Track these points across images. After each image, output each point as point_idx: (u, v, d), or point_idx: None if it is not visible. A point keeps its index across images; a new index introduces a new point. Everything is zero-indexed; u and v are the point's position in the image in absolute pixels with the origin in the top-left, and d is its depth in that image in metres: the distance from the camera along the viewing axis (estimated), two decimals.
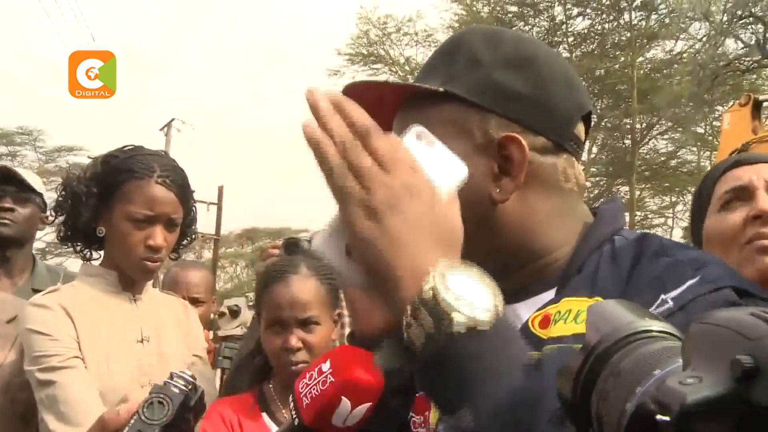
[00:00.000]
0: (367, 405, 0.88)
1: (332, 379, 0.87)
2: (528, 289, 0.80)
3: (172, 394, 0.96)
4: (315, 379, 0.90)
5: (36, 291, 2.16)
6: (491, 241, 0.79)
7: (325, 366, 0.90)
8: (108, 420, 1.09)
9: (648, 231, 0.84)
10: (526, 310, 0.78)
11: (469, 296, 0.58)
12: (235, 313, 2.83)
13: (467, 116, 0.78)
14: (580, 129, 0.83)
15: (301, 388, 0.92)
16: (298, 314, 1.56)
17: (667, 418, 0.38)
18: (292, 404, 0.94)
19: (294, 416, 0.93)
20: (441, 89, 0.78)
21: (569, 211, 0.81)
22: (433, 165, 0.65)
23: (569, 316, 0.71)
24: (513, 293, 0.81)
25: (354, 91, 0.83)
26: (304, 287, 1.55)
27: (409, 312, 0.59)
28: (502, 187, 0.77)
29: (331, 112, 0.63)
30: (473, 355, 0.57)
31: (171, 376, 1.00)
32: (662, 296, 0.66)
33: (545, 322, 0.74)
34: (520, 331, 0.75)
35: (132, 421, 0.99)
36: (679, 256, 0.71)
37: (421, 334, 0.58)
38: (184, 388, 0.98)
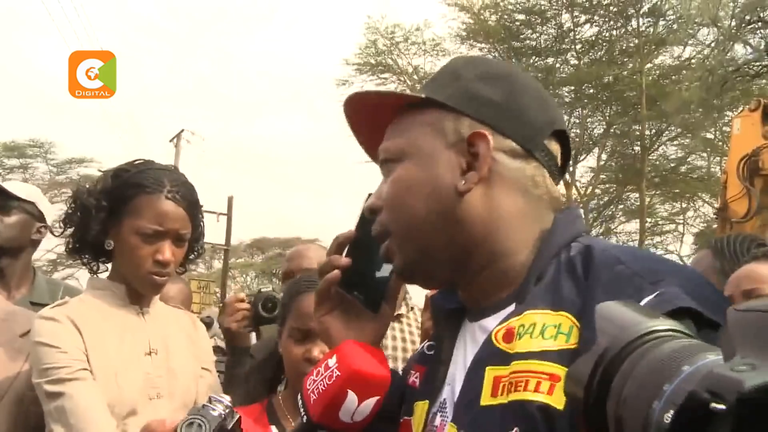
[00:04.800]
0: (375, 399, 0.88)
1: (338, 373, 0.88)
2: (492, 301, 0.83)
3: (210, 416, 0.97)
4: (322, 374, 0.90)
5: (34, 305, 2.15)
6: (454, 233, 0.83)
7: (332, 361, 0.90)
8: (154, 427, 1.09)
9: (597, 239, 0.85)
10: (495, 324, 0.79)
11: None
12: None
13: (444, 119, 0.86)
14: (555, 147, 0.88)
15: (309, 385, 0.92)
16: None
17: (722, 406, 0.37)
18: (300, 402, 0.93)
19: (303, 413, 0.92)
20: (423, 95, 0.87)
21: (533, 215, 0.84)
22: None
23: (534, 331, 0.72)
24: (480, 310, 0.84)
25: (354, 101, 0.92)
26: None
27: None
28: (467, 179, 0.82)
29: None
30: None
31: (210, 400, 1.01)
32: None
33: (509, 336, 0.75)
34: (484, 345, 0.78)
35: None
36: (635, 267, 0.72)
37: None
38: (222, 411, 0.99)
